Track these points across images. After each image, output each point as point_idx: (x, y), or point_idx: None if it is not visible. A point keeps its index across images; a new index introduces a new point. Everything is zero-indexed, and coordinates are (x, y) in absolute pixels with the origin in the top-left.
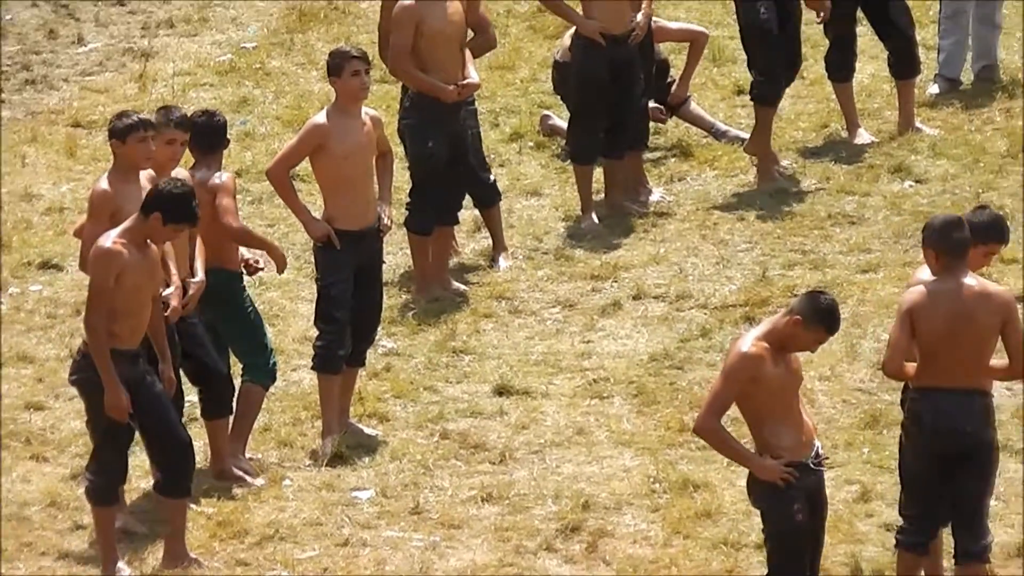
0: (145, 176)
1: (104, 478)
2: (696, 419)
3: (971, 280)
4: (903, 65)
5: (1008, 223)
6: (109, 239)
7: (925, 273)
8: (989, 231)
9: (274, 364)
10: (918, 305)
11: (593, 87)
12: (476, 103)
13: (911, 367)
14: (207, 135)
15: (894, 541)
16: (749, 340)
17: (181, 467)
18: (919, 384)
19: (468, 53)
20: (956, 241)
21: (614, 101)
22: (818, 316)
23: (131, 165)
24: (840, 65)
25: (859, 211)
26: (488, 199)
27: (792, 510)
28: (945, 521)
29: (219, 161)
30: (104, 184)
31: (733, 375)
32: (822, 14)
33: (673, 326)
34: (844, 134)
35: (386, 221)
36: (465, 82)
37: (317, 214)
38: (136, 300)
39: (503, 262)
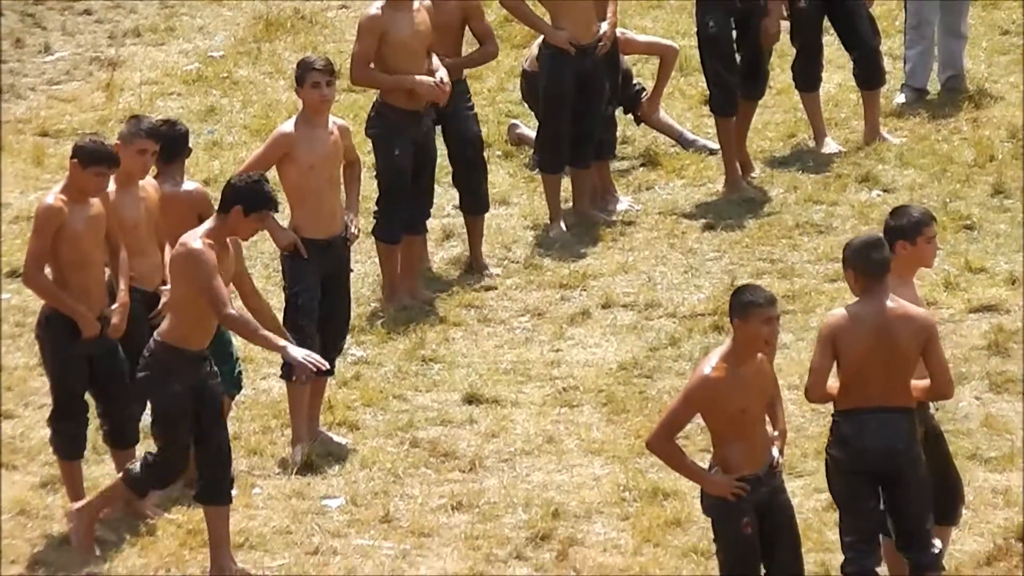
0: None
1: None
2: (650, 435)
3: (891, 302)
4: (868, 75)
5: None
6: (197, 240)
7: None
8: (920, 223)
9: (239, 373)
10: (839, 329)
11: (560, 97)
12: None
13: (834, 389)
14: (168, 145)
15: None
16: (713, 361)
17: (222, 474)
18: (843, 407)
19: (436, 59)
20: (875, 262)
21: (579, 111)
22: (742, 306)
23: (76, 188)
24: (807, 74)
25: (827, 220)
26: (476, 208)
27: (740, 524)
28: (885, 533)
29: (182, 171)
30: (51, 199)
31: (691, 397)
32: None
33: (642, 335)
34: (811, 143)
35: (353, 230)
36: (444, 80)
37: (285, 223)
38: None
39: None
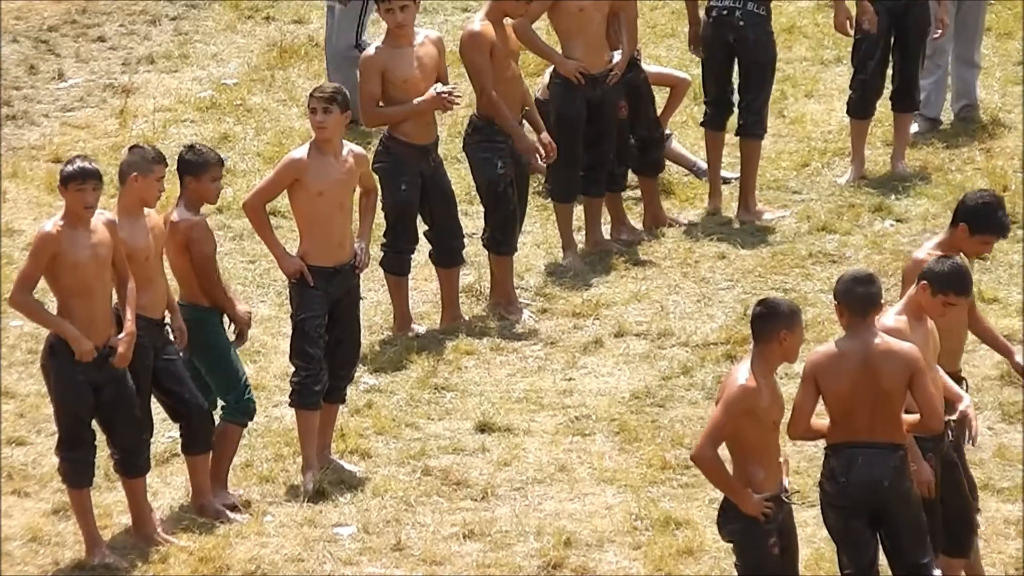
0: (99, 219)
1: None
2: (695, 447)
3: (875, 338)
4: (906, 98)
5: (970, 273)
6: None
7: (889, 317)
8: (949, 281)
9: (249, 400)
10: (820, 367)
11: (571, 126)
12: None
13: (820, 425)
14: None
15: None
16: (744, 372)
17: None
18: (832, 441)
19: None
20: (858, 297)
21: (592, 139)
22: (786, 317)
23: (71, 212)
24: (859, 101)
25: (840, 250)
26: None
27: (767, 545)
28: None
29: (187, 197)
30: (48, 226)
31: (732, 406)
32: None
33: (655, 364)
34: (824, 172)
35: (363, 258)
36: (448, 87)
37: (292, 249)
38: None
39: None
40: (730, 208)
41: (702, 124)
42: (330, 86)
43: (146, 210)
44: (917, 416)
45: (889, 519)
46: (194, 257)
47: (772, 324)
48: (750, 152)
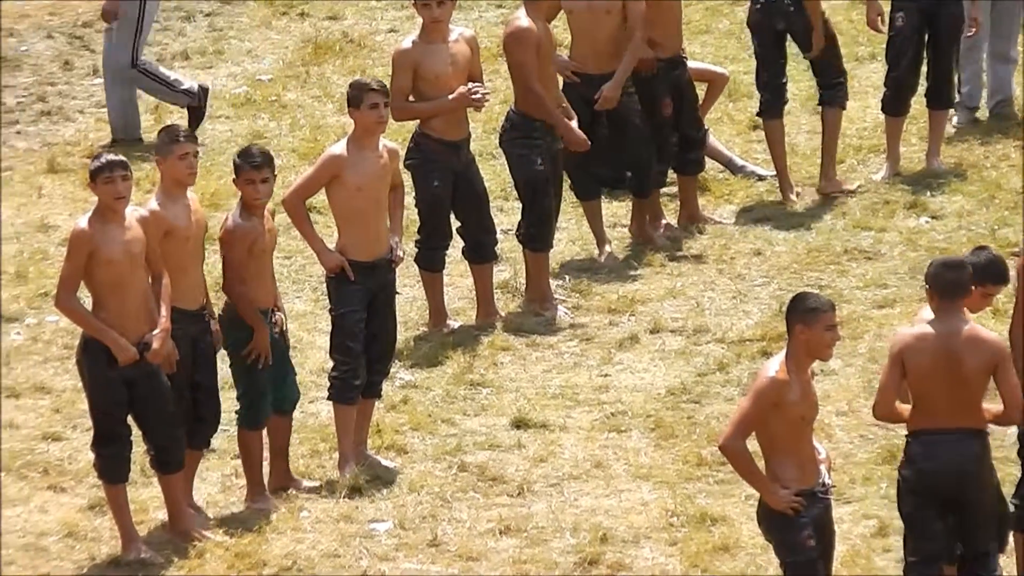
0: (132, 215)
1: None
2: (722, 437)
3: (963, 323)
4: (941, 95)
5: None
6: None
7: (928, 311)
8: (986, 272)
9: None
10: (908, 347)
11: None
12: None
13: (903, 409)
14: None
15: None
16: (776, 365)
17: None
18: (913, 427)
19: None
20: (948, 283)
21: (617, 143)
22: (805, 312)
23: (104, 206)
24: (893, 98)
25: (875, 246)
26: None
27: (803, 537)
28: (951, 560)
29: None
30: (83, 223)
31: (761, 397)
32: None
33: (690, 360)
34: (860, 168)
35: (398, 252)
36: (471, 88)
37: (331, 245)
38: None
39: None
40: (766, 203)
41: (758, 114)
42: (377, 81)
43: (189, 193)
44: (999, 407)
45: (965, 506)
46: (223, 259)
47: (790, 318)
48: (832, 121)
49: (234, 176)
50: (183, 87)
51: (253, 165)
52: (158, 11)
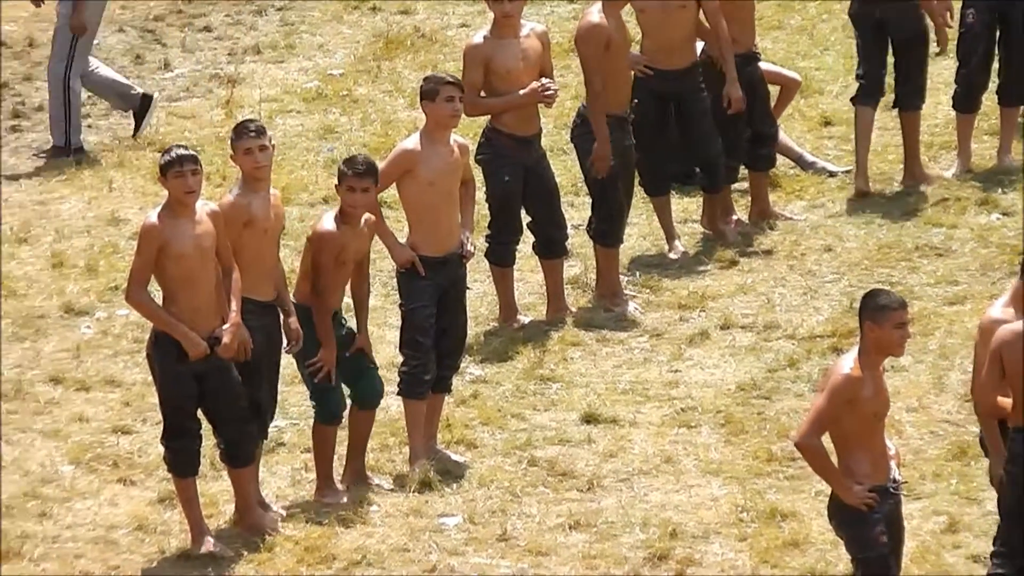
0: (203, 210)
1: None
2: (798, 433)
3: None
4: (1012, 91)
5: None
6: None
7: (996, 308)
8: None
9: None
10: (1005, 343)
11: (642, 119)
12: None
13: (1005, 404)
14: None
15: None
16: (850, 362)
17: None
18: (1015, 424)
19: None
20: None
21: (687, 139)
22: (876, 310)
23: (174, 200)
24: (963, 95)
25: (946, 243)
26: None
27: (876, 533)
28: None
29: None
30: (152, 218)
31: (836, 394)
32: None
33: (761, 356)
34: (931, 165)
35: (469, 247)
36: (545, 81)
37: (402, 239)
38: None
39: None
40: (837, 199)
41: (852, 100)
42: (452, 75)
43: (272, 189)
44: None
45: None
46: (312, 263)
47: (861, 315)
48: (910, 124)
49: (336, 182)
50: (133, 91)
51: (356, 173)
52: (101, 16)
